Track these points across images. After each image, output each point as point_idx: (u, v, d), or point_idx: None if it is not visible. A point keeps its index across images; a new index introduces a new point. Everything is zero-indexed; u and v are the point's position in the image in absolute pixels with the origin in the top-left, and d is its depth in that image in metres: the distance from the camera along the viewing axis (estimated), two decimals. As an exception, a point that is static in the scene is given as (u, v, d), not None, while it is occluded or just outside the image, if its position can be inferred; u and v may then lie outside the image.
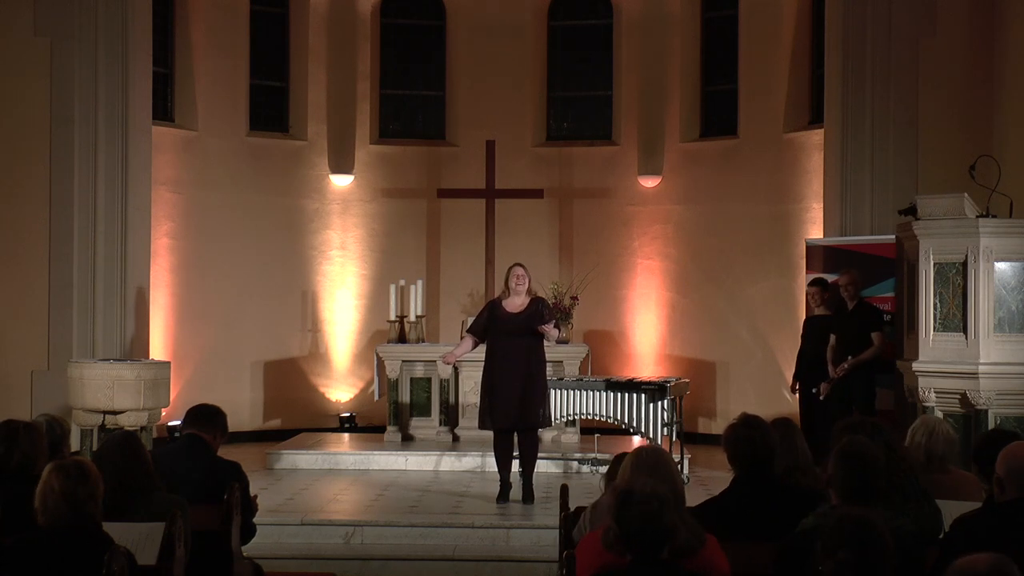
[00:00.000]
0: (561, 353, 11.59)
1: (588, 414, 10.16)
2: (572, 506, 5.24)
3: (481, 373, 9.34)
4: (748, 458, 4.74)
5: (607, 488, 4.82)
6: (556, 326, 9.29)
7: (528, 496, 8.98)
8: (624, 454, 4.60)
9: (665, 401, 9.78)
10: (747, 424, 4.83)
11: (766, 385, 12.84)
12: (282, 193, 13.64)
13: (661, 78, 13.90)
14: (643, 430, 9.88)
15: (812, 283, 10.53)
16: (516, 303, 9.08)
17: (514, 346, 8.98)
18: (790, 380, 10.84)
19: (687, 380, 10.83)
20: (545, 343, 9.18)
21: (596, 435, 11.00)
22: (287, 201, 13.68)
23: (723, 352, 13.40)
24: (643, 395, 9.83)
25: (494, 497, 9.12)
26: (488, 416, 9.07)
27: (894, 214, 9.81)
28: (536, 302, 9.12)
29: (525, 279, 9.11)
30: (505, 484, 9.13)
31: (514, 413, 8.95)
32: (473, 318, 9.77)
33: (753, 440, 4.74)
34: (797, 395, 10.53)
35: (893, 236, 9.88)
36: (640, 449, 4.49)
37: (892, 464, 4.59)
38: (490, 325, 9.14)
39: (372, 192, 14.05)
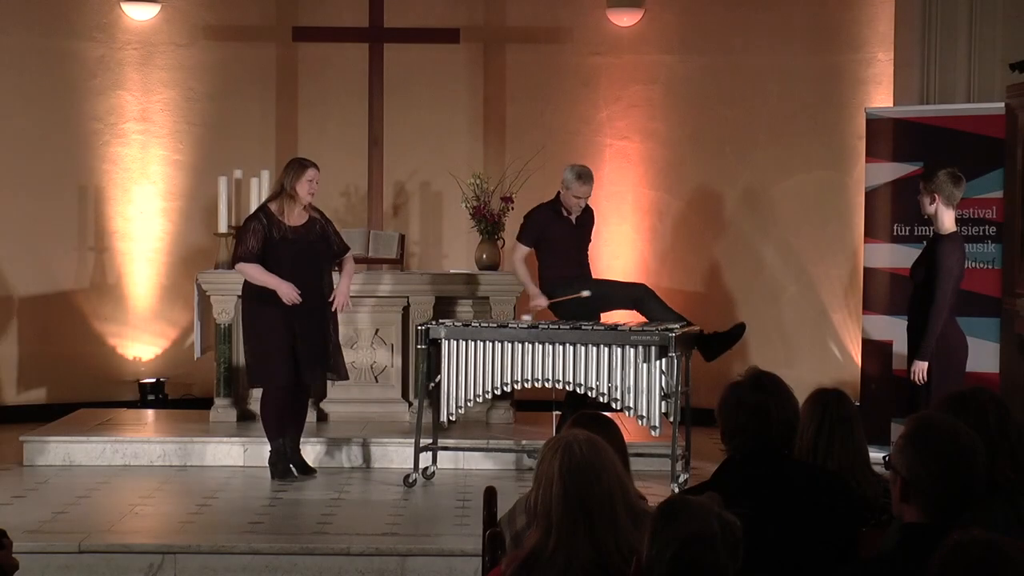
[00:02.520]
0: (487, 284, 11.89)
1: (535, 380, 9.86)
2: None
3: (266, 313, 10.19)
4: (755, 436, 4.99)
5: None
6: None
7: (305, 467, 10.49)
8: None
9: (664, 361, 9.46)
10: (757, 385, 5.06)
11: (807, 335, 13.09)
12: (49, 33, 13.68)
13: None
14: (629, 404, 9.55)
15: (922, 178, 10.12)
16: (295, 215, 10.23)
17: (304, 274, 10.17)
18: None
19: (698, 327, 10.51)
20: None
21: (555, 412, 10.78)
22: (56, 45, 13.70)
23: (740, 283, 13.63)
24: (630, 350, 9.51)
25: (385, 502, 9.74)
26: (263, 370, 10.22)
27: (1003, 70, 10.30)
28: (321, 218, 10.39)
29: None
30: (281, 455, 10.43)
31: (308, 364, 10.21)
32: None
33: (765, 410, 4.97)
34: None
35: (1001, 104, 10.28)
36: (567, 444, 4.24)
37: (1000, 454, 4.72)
38: (266, 244, 10.16)
39: (190, 31, 14.06)
